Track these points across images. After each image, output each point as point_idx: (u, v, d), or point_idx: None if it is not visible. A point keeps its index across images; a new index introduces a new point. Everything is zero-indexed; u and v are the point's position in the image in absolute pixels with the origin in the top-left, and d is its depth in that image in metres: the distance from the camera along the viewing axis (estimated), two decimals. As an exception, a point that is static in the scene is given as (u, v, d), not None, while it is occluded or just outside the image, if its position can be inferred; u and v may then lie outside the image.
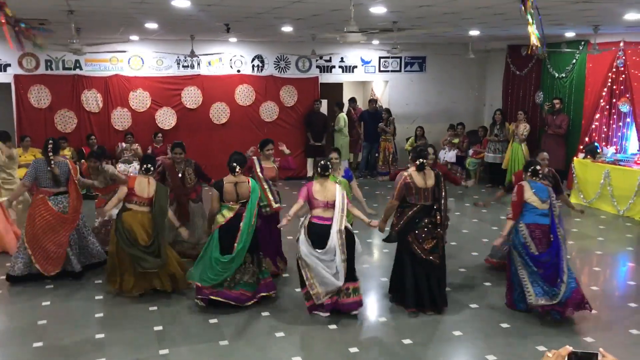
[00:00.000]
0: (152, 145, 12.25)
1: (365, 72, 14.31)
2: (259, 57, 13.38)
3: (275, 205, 6.87)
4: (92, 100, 12.38)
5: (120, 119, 12.57)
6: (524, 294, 5.94)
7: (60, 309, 6.32)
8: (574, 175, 11.07)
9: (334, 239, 5.76)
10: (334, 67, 13.99)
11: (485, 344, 5.51)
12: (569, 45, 11.42)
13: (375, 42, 12.80)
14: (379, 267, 7.58)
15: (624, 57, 10.54)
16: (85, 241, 7.27)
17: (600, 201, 10.54)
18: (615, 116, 11.05)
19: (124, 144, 12.09)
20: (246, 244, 6.10)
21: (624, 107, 10.76)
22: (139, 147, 12.07)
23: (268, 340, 5.56)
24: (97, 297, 6.58)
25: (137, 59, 12.63)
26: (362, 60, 14.18)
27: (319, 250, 5.81)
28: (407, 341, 5.49)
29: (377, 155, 13.77)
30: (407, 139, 13.83)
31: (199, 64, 12.94)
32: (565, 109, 11.70)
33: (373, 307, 6.35)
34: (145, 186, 6.53)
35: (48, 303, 6.43)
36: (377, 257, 8.18)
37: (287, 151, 7.89)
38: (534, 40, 4.14)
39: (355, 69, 14.19)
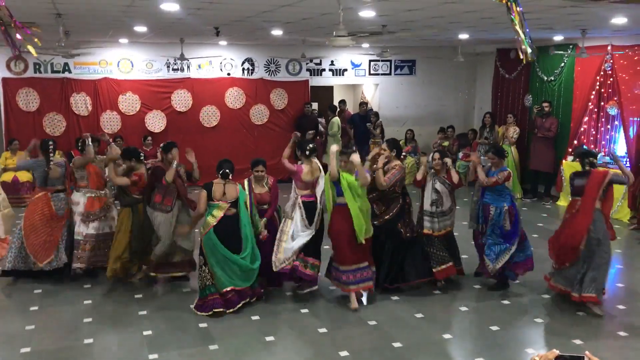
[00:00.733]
0: (141, 148, 12.19)
1: (355, 75, 14.34)
2: (249, 60, 13.37)
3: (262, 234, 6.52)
4: (81, 103, 12.32)
5: (110, 122, 12.51)
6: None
7: (48, 314, 6.27)
8: (562, 177, 11.14)
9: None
10: (324, 70, 14.00)
11: (473, 346, 5.53)
12: (557, 48, 11.49)
13: (365, 45, 12.83)
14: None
15: (611, 61, 10.62)
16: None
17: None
18: (603, 119, 11.14)
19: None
20: (254, 245, 6.26)
21: (612, 110, 10.84)
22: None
23: (258, 344, 5.55)
24: (85, 302, 6.54)
25: (126, 62, 12.58)
26: (352, 63, 14.21)
27: (309, 227, 6.38)
28: (397, 344, 5.50)
29: (366, 157, 13.73)
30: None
31: (188, 67, 12.91)
32: (554, 112, 11.77)
33: (366, 309, 6.36)
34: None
35: (36, 308, 6.38)
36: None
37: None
38: (524, 46, 4.15)
39: (345, 72, 14.22)
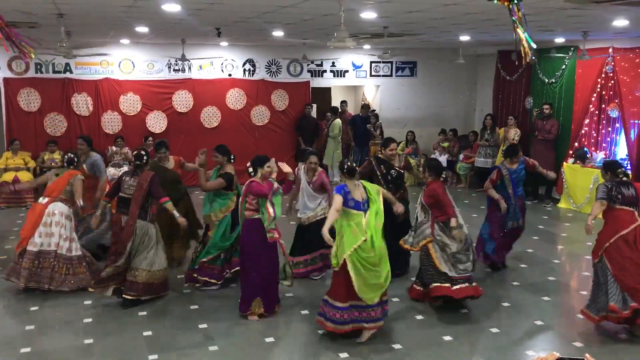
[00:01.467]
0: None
1: (356, 76, 14.34)
2: (250, 61, 13.38)
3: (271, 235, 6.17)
4: (82, 103, 12.32)
5: (111, 122, 12.51)
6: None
7: (48, 314, 6.27)
8: (563, 180, 11.13)
9: None
10: (325, 71, 14.01)
11: (473, 348, 5.52)
12: (558, 50, 11.49)
13: (367, 47, 12.83)
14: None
15: (613, 63, 10.61)
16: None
17: (589, 206, 10.56)
18: (604, 121, 11.13)
19: (114, 148, 12.02)
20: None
21: (613, 113, 10.83)
22: (130, 151, 12.00)
23: (258, 345, 5.55)
24: (85, 302, 6.53)
25: (127, 62, 12.59)
26: (354, 64, 14.21)
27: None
28: (397, 346, 5.50)
29: (367, 158, 13.74)
30: (398, 144, 13.84)
31: (190, 67, 12.91)
32: (555, 114, 11.76)
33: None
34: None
35: (36, 308, 6.38)
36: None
37: (287, 169, 6.65)
38: (527, 47, 4.14)
39: (346, 74, 14.22)
